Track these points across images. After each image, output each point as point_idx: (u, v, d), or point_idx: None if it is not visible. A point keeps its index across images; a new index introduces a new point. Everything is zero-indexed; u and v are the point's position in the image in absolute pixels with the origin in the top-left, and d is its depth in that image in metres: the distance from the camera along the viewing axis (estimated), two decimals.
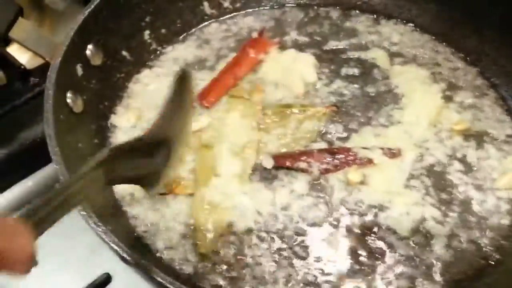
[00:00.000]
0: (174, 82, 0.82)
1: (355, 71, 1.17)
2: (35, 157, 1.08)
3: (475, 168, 1.02)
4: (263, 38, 1.20)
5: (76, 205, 0.60)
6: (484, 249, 0.92)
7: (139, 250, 0.87)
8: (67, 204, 0.57)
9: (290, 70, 1.14)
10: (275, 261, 0.90)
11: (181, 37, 1.23)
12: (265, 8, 1.29)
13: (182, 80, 0.84)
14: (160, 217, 0.95)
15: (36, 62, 1.20)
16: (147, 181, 0.81)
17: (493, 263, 0.91)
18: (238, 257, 0.90)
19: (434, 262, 0.90)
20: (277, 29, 1.25)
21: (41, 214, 0.51)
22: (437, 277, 0.89)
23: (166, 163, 0.81)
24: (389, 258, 0.91)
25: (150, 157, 0.79)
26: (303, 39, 1.23)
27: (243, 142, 1.02)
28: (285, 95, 1.12)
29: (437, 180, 1.00)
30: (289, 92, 1.12)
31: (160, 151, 0.80)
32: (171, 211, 0.95)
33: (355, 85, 1.14)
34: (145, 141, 0.78)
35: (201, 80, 1.13)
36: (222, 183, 0.97)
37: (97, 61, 1.06)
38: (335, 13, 1.29)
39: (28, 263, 0.46)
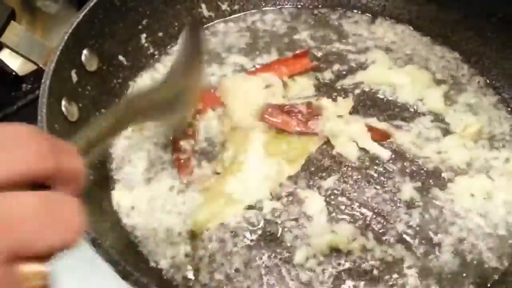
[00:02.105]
0: (185, 32, 0.88)
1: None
2: None
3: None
4: (303, 57, 1.17)
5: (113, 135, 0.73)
6: None
7: (138, 265, 0.85)
8: (107, 133, 0.69)
9: None
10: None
11: (178, 40, 1.19)
12: (263, 10, 1.26)
13: (193, 30, 0.89)
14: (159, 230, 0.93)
15: (28, 68, 1.17)
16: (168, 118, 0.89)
17: None
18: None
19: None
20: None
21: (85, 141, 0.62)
22: None
23: (182, 108, 0.87)
24: None
25: (166, 103, 0.84)
26: (304, 41, 1.21)
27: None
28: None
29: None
30: None
31: (176, 98, 0.85)
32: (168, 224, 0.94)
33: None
34: (161, 89, 0.85)
35: None
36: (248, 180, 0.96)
37: (92, 66, 1.02)
38: (334, 15, 1.26)
39: (79, 181, 0.51)
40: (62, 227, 0.45)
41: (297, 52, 1.16)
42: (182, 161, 1.00)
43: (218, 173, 0.99)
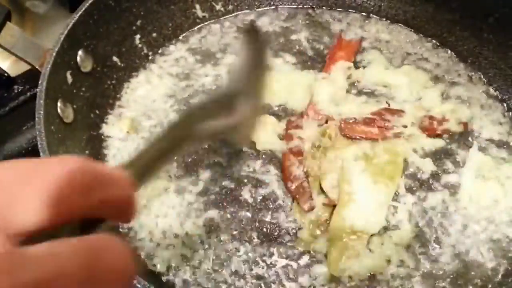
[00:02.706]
0: (244, 37, 0.86)
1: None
2: None
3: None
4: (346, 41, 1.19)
5: (167, 159, 0.65)
6: None
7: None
8: (159, 158, 0.61)
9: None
10: None
11: (173, 41, 1.18)
12: (258, 10, 1.25)
13: (251, 34, 0.85)
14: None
15: (20, 68, 1.15)
16: (229, 134, 0.83)
17: None
18: None
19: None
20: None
21: (137, 166, 0.55)
22: None
23: (245, 117, 0.80)
24: None
25: (228, 112, 0.77)
26: (299, 42, 1.20)
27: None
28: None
29: None
30: None
31: (238, 106, 0.78)
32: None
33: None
34: (222, 98, 0.79)
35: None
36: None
37: (87, 67, 1.02)
38: (329, 15, 1.26)
39: (131, 210, 0.49)
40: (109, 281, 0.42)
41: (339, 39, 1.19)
42: (297, 188, 0.97)
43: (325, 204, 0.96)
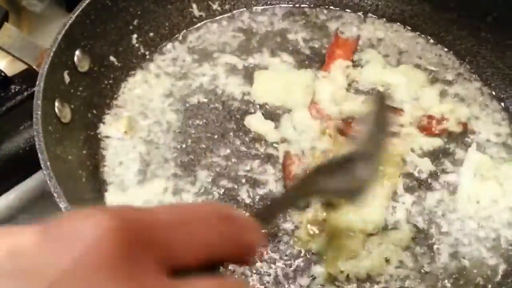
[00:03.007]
0: (373, 102, 0.85)
1: None
2: (18, 169, 1.03)
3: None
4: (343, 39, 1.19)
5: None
6: None
7: None
8: (283, 208, 0.68)
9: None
10: None
11: (170, 40, 1.18)
12: (254, 10, 1.25)
13: (380, 100, 0.87)
14: None
15: (16, 68, 1.14)
16: (350, 194, 0.81)
17: None
18: None
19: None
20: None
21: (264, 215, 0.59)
22: None
23: (367, 177, 0.80)
24: None
25: (350, 172, 0.78)
26: (296, 41, 1.20)
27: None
28: None
29: None
30: None
31: (361, 166, 0.79)
32: None
33: None
34: (347, 159, 0.79)
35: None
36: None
37: (84, 67, 1.01)
38: (326, 14, 1.25)
39: (253, 254, 0.50)
40: None
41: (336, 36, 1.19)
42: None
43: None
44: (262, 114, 1.07)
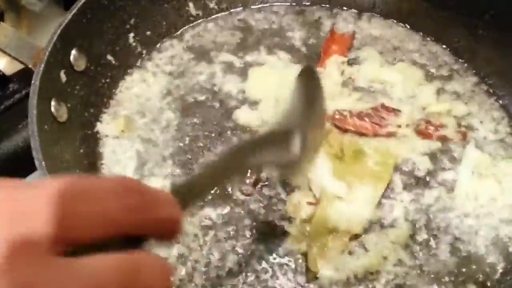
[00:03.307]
0: (299, 77, 0.85)
1: None
2: (16, 168, 1.03)
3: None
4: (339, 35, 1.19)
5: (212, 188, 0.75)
6: None
7: None
8: (206, 185, 0.64)
9: None
10: None
11: (167, 39, 1.18)
12: (251, 8, 1.25)
13: (306, 75, 0.87)
14: None
15: (15, 67, 1.15)
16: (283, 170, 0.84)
17: None
18: None
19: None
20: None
21: (183, 192, 0.56)
22: None
23: (301, 154, 0.79)
24: None
25: (281, 149, 0.78)
26: (293, 39, 1.20)
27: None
28: None
29: None
30: None
31: (293, 143, 0.78)
32: None
33: None
34: (274, 134, 0.80)
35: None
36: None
37: (81, 66, 1.01)
38: (323, 12, 1.25)
39: (174, 231, 0.50)
40: None
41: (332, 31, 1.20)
42: None
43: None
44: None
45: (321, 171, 0.96)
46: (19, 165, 1.02)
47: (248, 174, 0.97)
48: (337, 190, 0.93)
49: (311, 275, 0.88)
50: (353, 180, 0.95)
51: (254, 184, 0.96)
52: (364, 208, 0.93)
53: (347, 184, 0.94)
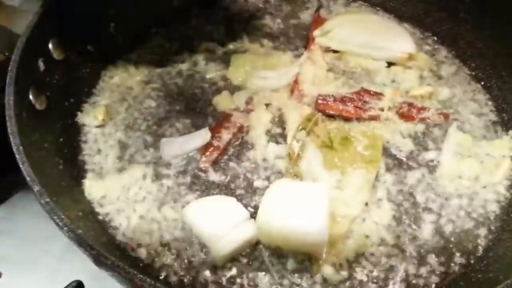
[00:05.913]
0: None
1: None
2: None
3: None
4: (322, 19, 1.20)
5: None
6: None
7: (113, 253, 0.83)
8: None
9: None
10: None
11: (149, 28, 1.19)
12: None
13: None
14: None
15: None
16: None
17: None
18: None
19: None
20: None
21: None
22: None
23: None
24: None
25: None
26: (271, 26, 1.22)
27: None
28: None
29: None
30: None
31: None
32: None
33: None
34: None
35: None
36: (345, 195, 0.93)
37: (60, 55, 1.00)
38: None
39: None
40: None
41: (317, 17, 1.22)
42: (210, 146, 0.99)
43: None
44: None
45: (312, 163, 0.95)
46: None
47: None
48: (329, 180, 0.93)
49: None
50: (346, 167, 0.95)
51: None
52: (359, 191, 0.93)
53: (340, 171, 0.94)
